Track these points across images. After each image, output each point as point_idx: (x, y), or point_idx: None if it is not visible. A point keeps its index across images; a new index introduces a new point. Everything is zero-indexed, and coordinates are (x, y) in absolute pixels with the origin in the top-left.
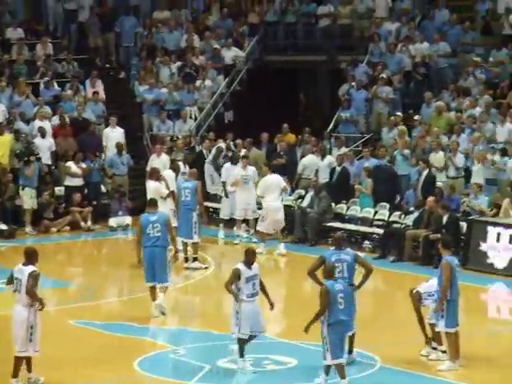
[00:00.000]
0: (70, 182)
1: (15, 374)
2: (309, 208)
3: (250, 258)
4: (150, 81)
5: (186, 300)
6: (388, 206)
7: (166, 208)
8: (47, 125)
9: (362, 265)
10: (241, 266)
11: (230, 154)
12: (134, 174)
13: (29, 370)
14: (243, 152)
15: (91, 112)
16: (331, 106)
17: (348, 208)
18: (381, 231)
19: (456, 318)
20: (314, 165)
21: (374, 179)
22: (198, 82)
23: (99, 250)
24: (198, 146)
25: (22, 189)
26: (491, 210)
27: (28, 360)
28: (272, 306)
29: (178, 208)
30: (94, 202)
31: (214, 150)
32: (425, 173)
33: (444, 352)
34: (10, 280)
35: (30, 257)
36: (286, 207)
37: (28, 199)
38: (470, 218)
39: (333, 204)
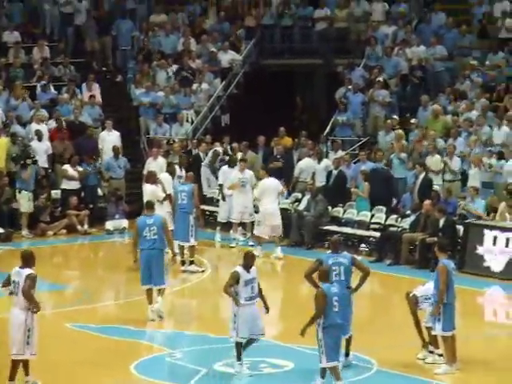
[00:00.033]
0: (66, 185)
1: (12, 378)
2: (305, 211)
3: (248, 261)
4: (147, 84)
5: (182, 303)
6: (385, 209)
7: (162, 211)
8: (44, 128)
9: (359, 268)
10: (239, 269)
11: (226, 157)
12: (130, 178)
13: (26, 373)
14: (240, 155)
15: (88, 115)
16: (328, 109)
17: (345, 211)
18: (377, 234)
19: (453, 321)
20: (311, 168)
21: (371, 182)
22: (194, 86)
23: (96, 253)
24: (194, 150)
25: (19, 192)
26: (488, 215)
27: (25, 363)
28: (267, 310)
29: (174, 211)
30: (91, 206)
31: (210, 154)
32: (421, 176)
33: (441, 355)
34: (7, 282)
35: (27, 260)
36: (283, 210)
37: (25, 202)
38: (467, 221)
39: (329, 207)
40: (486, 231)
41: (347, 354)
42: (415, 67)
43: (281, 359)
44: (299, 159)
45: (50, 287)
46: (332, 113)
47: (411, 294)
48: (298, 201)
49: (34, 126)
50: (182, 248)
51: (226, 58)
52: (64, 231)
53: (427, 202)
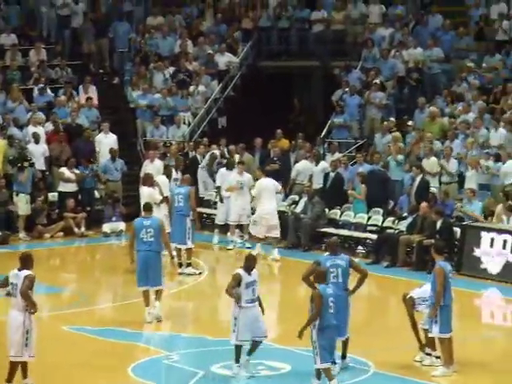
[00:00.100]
0: (63, 187)
1: (9, 379)
2: (302, 213)
3: (250, 263)
4: (144, 86)
5: (179, 305)
6: (382, 211)
7: (159, 214)
8: (41, 130)
9: (357, 270)
10: (241, 272)
11: (223, 160)
12: (127, 180)
13: (24, 375)
14: (237, 158)
15: (85, 118)
16: (325, 111)
17: (342, 213)
18: (374, 237)
19: (450, 323)
20: (308, 170)
21: (368, 185)
22: (191, 88)
23: (93, 255)
24: (191, 152)
25: (16, 195)
26: (485, 218)
27: (23, 365)
28: (263, 312)
29: (171, 214)
30: (88, 208)
31: (207, 156)
32: (418, 178)
33: (438, 357)
34: (4, 283)
35: (26, 262)
36: (280, 212)
37: (22, 205)
38: (464, 223)
39: (326, 209)
40: (483, 233)
41: (344, 357)
42: (412, 69)
43: (278, 361)
44: (296, 161)
45: (47, 290)
46: (329, 115)
47: (408, 296)
48: (295, 203)
49: (31, 129)
50: (178, 250)
51: (223, 60)
52: (61, 234)
53: (424, 204)
